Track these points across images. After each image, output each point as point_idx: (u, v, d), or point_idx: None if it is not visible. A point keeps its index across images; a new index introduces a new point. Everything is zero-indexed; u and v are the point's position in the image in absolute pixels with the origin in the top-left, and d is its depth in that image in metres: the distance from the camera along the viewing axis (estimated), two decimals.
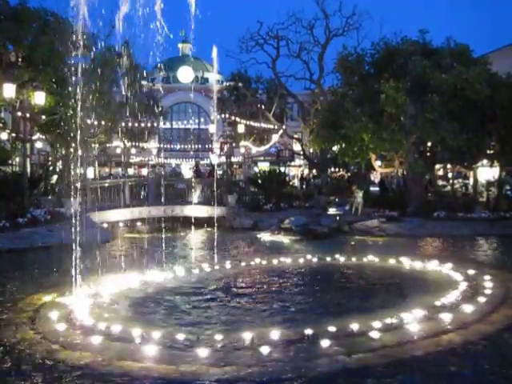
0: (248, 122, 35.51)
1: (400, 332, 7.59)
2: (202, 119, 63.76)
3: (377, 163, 27.74)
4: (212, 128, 48.78)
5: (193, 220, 25.34)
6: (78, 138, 13.34)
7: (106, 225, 22.09)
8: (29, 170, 25.03)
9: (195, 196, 26.50)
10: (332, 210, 25.76)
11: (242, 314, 8.92)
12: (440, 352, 6.99)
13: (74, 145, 24.62)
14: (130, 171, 48.95)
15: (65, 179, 24.43)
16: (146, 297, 10.16)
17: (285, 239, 19.80)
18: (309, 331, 7.37)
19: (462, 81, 21.58)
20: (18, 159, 26.43)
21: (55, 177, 27.46)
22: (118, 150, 44.82)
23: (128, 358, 6.69)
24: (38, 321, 8.38)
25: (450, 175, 32.68)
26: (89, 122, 26.80)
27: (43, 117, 22.39)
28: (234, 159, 44.11)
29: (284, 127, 38.78)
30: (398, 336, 7.45)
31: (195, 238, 22.55)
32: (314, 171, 40.63)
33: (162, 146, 60.47)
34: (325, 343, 6.98)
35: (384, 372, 6.40)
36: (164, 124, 53.32)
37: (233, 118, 36.79)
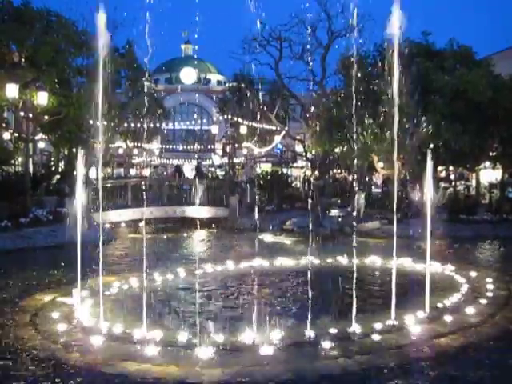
0: (250, 123, 35.52)
1: (401, 334, 7.57)
2: (205, 120, 63.86)
3: (379, 165, 27.71)
4: (214, 129, 48.90)
5: (195, 221, 25.42)
6: (81, 138, 13.40)
7: (108, 225, 22.11)
8: (31, 170, 25.09)
9: (197, 197, 26.52)
10: (334, 212, 25.74)
11: (242, 315, 8.90)
12: (442, 354, 6.97)
13: (76, 145, 24.72)
14: (132, 172, 48.99)
15: (67, 179, 24.47)
16: (147, 296, 10.13)
17: (286, 240, 19.80)
18: (310, 332, 7.35)
19: (465, 83, 21.57)
20: (20, 159, 26.47)
21: (58, 177, 27.51)
22: (121, 151, 44.90)
23: (129, 359, 6.69)
24: (39, 320, 8.39)
25: (452, 177, 32.64)
26: (91, 122, 26.88)
27: (46, 117, 22.43)
28: (236, 160, 44.14)
29: (286, 128, 38.75)
30: (399, 338, 7.43)
31: (196, 238, 22.57)
32: (317, 173, 40.61)
33: (164, 146, 60.59)
34: (326, 345, 6.97)
35: (385, 374, 6.38)
36: (166, 125, 53.35)
37: (235, 118, 36.79)
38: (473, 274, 11.70)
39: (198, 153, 58.86)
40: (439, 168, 28.74)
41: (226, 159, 45.30)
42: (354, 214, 23.94)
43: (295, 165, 54.71)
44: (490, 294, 9.82)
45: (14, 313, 8.93)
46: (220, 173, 45.19)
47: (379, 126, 22.46)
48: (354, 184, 29.71)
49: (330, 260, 13.93)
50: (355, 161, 25.85)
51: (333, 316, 8.15)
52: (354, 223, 22.09)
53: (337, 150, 29.47)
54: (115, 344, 7.23)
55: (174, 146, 63.02)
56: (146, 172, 53.38)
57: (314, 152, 36.96)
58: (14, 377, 6.32)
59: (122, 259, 15.96)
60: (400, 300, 8.61)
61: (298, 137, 39.37)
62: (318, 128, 29.03)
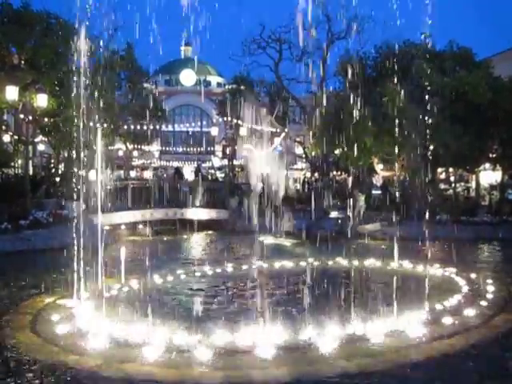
0: (250, 125, 35.53)
1: (401, 336, 7.56)
2: (205, 122, 63.87)
3: (379, 167, 27.72)
4: (214, 131, 48.90)
5: (195, 223, 25.40)
6: (81, 140, 13.41)
7: (108, 227, 22.07)
8: (31, 172, 25.08)
9: (197, 199, 26.50)
10: (334, 214, 25.73)
11: (242, 317, 8.88)
12: (441, 356, 6.95)
13: (76, 147, 24.72)
14: (132, 174, 49.01)
15: (67, 181, 24.47)
16: (147, 298, 10.14)
17: (286, 242, 19.77)
18: (309, 335, 7.34)
19: (465, 84, 21.59)
20: (20, 161, 26.46)
21: (57, 179, 27.49)
22: (120, 153, 44.90)
23: (129, 361, 6.67)
24: (39, 323, 8.38)
25: (452, 179, 32.63)
26: (91, 124, 26.85)
27: (46, 119, 22.43)
28: (236, 162, 44.16)
29: (286, 130, 38.79)
30: (399, 340, 7.41)
31: (196, 241, 22.56)
32: (316, 174, 40.64)
33: (164, 148, 60.63)
34: (325, 347, 6.96)
35: (384, 377, 6.37)
36: (166, 127, 53.34)
37: (235, 120, 36.82)
38: (473, 275, 11.68)
39: (197, 155, 58.92)
40: (439, 170, 28.76)
41: (225, 161, 45.29)
42: (355, 215, 23.96)
43: (295, 167, 54.74)
44: (489, 296, 9.81)
45: (14, 315, 8.91)
46: (220, 175, 45.20)
47: (379, 127, 22.48)
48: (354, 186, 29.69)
49: (329, 262, 13.91)
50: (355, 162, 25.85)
51: (333, 318, 8.13)
52: (354, 225, 22.16)
53: (336, 151, 29.50)
54: (115, 346, 7.21)
55: (174, 148, 63.05)
56: (146, 174, 53.47)
57: (313, 154, 37.06)
58: (14, 380, 6.31)
59: (123, 261, 15.91)
60: (400, 301, 8.62)
61: (297, 139, 39.45)
62: (317, 130, 29.09)
